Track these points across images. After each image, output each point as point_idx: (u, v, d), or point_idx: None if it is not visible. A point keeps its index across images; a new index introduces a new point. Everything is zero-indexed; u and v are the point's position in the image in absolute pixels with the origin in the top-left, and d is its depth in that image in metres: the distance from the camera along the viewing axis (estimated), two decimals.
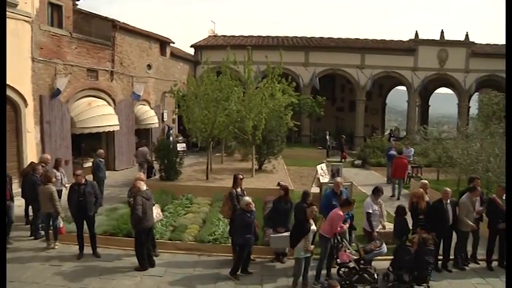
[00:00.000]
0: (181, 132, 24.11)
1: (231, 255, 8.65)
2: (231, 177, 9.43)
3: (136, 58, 20.46)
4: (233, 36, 32.72)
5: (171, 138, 21.80)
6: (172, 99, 19.08)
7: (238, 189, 8.85)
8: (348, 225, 8.41)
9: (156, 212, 8.81)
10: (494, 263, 8.85)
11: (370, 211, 8.59)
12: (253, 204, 8.08)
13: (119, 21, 18.48)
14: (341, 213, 7.72)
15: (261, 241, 8.95)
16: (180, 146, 18.66)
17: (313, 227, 7.29)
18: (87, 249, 8.80)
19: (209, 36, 32.68)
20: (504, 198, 8.73)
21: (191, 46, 30.04)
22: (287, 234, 7.70)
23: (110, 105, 18.09)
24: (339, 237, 7.77)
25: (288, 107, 15.95)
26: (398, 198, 14.67)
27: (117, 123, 17.52)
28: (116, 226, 9.72)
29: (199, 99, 14.48)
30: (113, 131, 17.73)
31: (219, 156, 19.23)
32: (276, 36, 32.48)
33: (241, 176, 8.99)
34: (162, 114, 23.72)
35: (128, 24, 19.54)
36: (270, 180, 14.66)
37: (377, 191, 8.83)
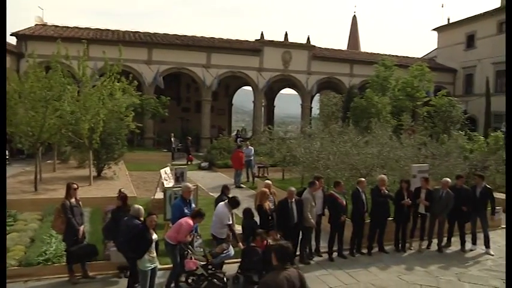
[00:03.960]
0: None
1: (67, 275, 8.08)
2: (65, 187, 8.78)
3: None
4: (66, 27, 30.50)
5: None
6: None
7: (73, 200, 8.29)
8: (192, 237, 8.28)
9: None
10: (335, 254, 9.83)
11: (230, 222, 8.53)
12: None
13: None
14: (191, 223, 7.71)
15: (101, 255, 8.55)
16: None
17: (155, 236, 7.17)
18: None
19: (36, 24, 29.82)
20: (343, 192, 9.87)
21: (12, 34, 26.82)
22: None
23: None
24: (183, 245, 7.77)
25: (129, 107, 15.69)
26: (238, 186, 17.55)
27: None
28: None
29: (23, 99, 13.29)
30: None
31: (51, 164, 17.91)
32: (116, 30, 31.38)
33: (75, 186, 8.40)
34: None
35: None
36: (111, 188, 14.13)
37: (234, 203, 8.65)
